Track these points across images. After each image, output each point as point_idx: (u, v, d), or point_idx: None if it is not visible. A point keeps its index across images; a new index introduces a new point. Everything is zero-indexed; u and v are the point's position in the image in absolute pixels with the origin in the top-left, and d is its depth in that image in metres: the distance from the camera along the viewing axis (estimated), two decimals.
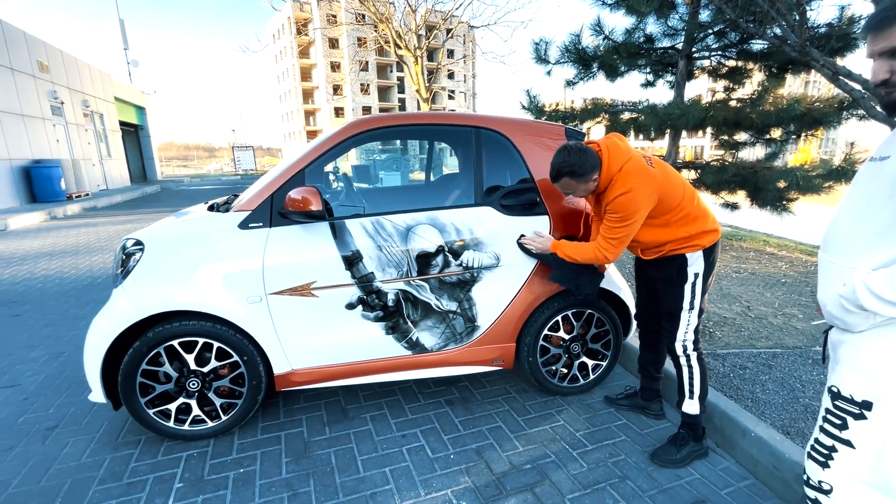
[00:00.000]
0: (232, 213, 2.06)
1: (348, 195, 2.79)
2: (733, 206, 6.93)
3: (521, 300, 2.34)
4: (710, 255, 1.95)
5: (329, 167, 3.25)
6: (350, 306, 2.13)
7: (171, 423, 2.07)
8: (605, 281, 2.47)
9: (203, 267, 1.96)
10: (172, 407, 2.07)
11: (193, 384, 2.06)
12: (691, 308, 1.97)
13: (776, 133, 6.16)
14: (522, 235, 2.26)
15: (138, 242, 2.03)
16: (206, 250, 1.98)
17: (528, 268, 2.32)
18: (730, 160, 6.44)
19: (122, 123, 18.36)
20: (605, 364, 2.57)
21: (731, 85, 6.69)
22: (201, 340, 2.01)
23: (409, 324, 2.23)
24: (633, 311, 2.58)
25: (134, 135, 20.85)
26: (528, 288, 2.34)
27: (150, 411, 2.04)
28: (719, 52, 6.23)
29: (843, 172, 4.66)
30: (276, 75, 65.06)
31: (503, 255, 2.27)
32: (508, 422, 2.32)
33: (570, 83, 7.39)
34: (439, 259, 2.18)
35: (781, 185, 5.68)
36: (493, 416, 2.37)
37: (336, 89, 55.32)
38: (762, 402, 2.29)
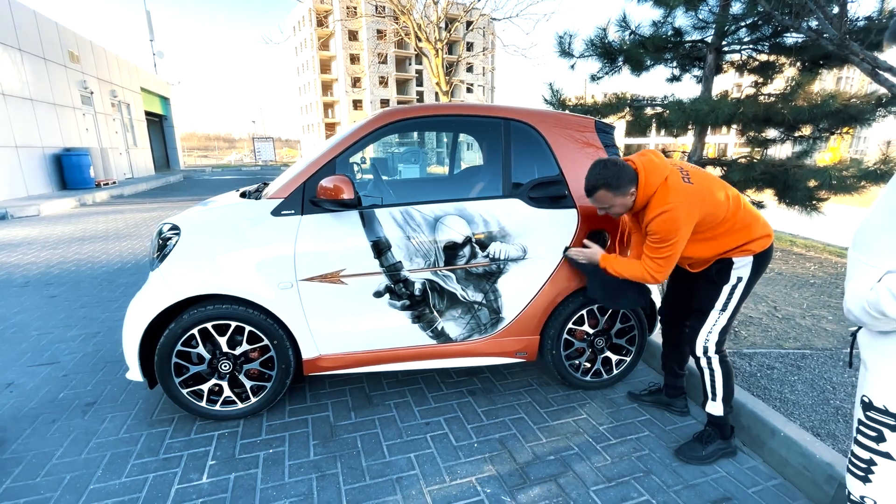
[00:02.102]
0: (265, 201, 2.10)
1: (376, 185, 2.82)
2: (759, 205, 6.76)
3: (546, 293, 2.34)
4: (760, 261, 1.88)
5: (355, 158, 3.28)
6: (378, 294, 2.17)
7: (203, 404, 2.14)
8: None
9: (236, 252, 2.01)
10: (205, 388, 2.13)
11: (225, 366, 2.12)
12: (723, 309, 1.93)
13: (807, 130, 5.99)
14: (568, 248, 2.26)
15: (175, 227, 2.09)
16: (240, 236, 2.03)
17: (554, 261, 2.32)
18: (758, 158, 6.28)
19: (147, 114, 18.77)
20: (628, 360, 2.56)
21: (761, 80, 6.50)
22: (233, 324, 2.07)
23: (435, 313, 2.25)
24: (658, 306, 2.56)
25: (158, 125, 21.30)
26: (554, 281, 2.33)
27: (184, 391, 2.11)
28: (751, 46, 6.06)
29: (880, 174, 4.51)
30: (296, 67, 65.57)
31: (530, 248, 2.27)
32: (531, 413, 2.33)
33: (594, 77, 7.28)
34: (466, 250, 2.20)
35: (812, 183, 5.53)
36: (516, 407, 2.38)
37: (355, 82, 55.50)
38: (791, 403, 2.26)
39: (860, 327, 1.12)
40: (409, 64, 57.77)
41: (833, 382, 2.44)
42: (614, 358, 2.54)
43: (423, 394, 2.49)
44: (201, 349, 2.08)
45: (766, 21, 5.23)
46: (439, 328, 2.28)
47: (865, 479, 1.11)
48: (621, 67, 7.16)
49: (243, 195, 2.40)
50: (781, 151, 7.07)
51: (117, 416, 2.23)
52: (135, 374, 2.08)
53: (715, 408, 2.00)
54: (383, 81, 55.71)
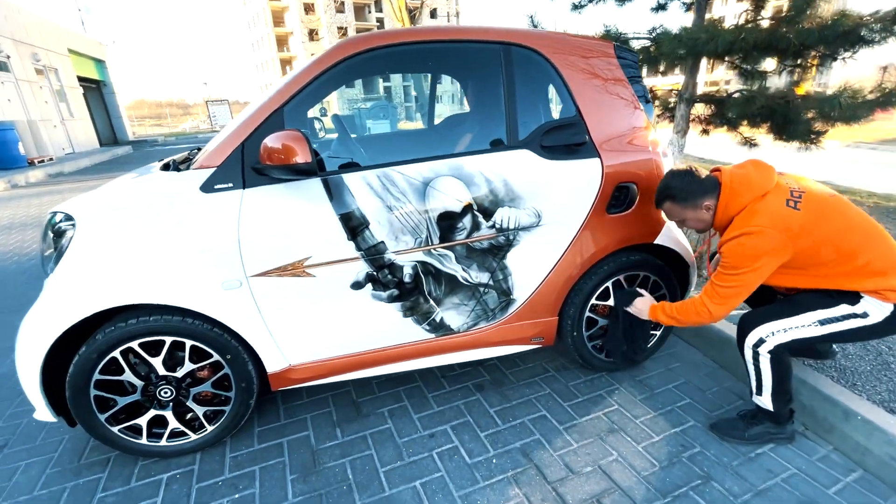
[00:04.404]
0: (189, 173, 1.54)
1: (342, 144, 2.24)
2: (752, 144, 6.42)
3: (565, 266, 1.90)
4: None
5: (313, 111, 2.68)
6: (357, 285, 1.68)
7: (144, 440, 1.67)
8: (663, 235, 2.03)
9: (156, 245, 1.47)
10: (143, 421, 1.65)
11: (166, 393, 1.63)
12: (822, 323, 1.52)
13: (812, 59, 5.53)
14: (622, 297, 1.97)
15: (68, 217, 1.52)
16: (159, 223, 1.48)
17: (574, 226, 1.86)
18: (756, 91, 5.84)
19: (81, 79, 16.84)
20: (658, 333, 2.19)
21: (758, 4, 5.95)
22: (168, 339, 1.56)
23: (432, 302, 1.79)
24: (693, 270, 2.16)
25: (97, 92, 19.26)
26: (575, 250, 1.89)
27: (115, 429, 1.62)
28: None
29: (882, 101, 4.12)
30: (246, 21, 60.44)
31: (545, 212, 1.80)
32: (553, 409, 1.95)
33: (576, 6, 6.59)
34: (467, 220, 1.71)
35: (810, 115, 5.16)
36: (534, 402, 2.00)
37: (312, 34, 51.67)
38: (849, 371, 1.94)
39: None
40: (369, 12, 53.95)
41: (888, 341, 2.14)
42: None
43: (422, 394, 2.07)
44: (130, 375, 1.58)
45: None
46: (437, 319, 1.83)
47: None
48: None
49: (166, 167, 1.82)
50: (773, 85, 6.65)
51: (34, 464, 1.74)
52: (44, 413, 1.57)
53: (763, 402, 1.66)
54: (343, 32, 51.99)
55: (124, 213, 1.49)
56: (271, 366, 1.71)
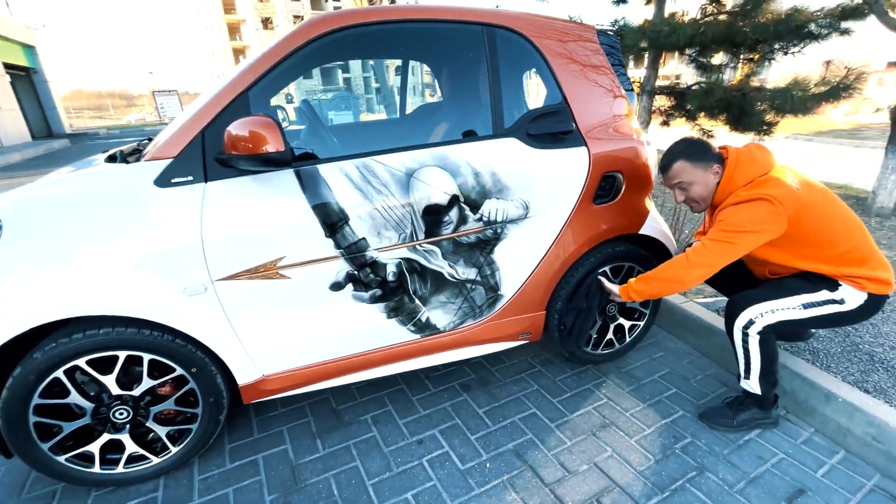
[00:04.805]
0: (141, 165, 1.35)
1: (314, 133, 2.07)
2: (709, 136, 6.64)
3: (552, 259, 1.84)
4: (872, 305, 1.55)
5: (278, 98, 2.48)
6: (337, 286, 1.55)
7: (97, 469, 1.48)
8: (647, 225, 2.01)
9: (101, 248, 1.29)
10: (95, 447, 1.46)
11: (121, 414, 1.45)
12: (806, 307, 1.55)
13: (759, 52, 5.75)
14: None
15: None
16: (104, 223, 1.29)
17: (561, 218, 1.80)
18: (713, 83, 6.03)
19: (7, 66, 15.35)
20: (642, 323, 2.18)
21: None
22: (123, 354, 1.38)
23: (417, 301, 1.68)
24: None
25: (27, 80, 17.63)
26: (562, 242, 1.83)
27: (61, 458, 1.42)
28: None
29: (844, 88, 4.35)
30: (194, 7, 57.14)
31: (532, 203, 1.73)
32: (543, 406, 1.90)
33: None
34: (453, 213, 1.61)
35: (762, 107, 5.39)
36: (523, 400, 1.94)
37: (266, 23, 49.52)
38: (821, 354, 2.00)
39: None
40: (326, 0, 52.29)
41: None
42: (627, 324, 2.14)
43: (406, 398, 1.97)
44: (77, 397, 1.38)
45: None
46: (423, 319, 1.73)
47: None
48: None
49: (112, 159, 1.61)
50: (725, 79, 6.90)
51: None
52: None
53: (751, 386, 1.67)
54: (300, 20, 50.13)
55: (61, 212, 1.29)
56: (243, 377, 1.55)
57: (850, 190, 5.50)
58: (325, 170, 1.46)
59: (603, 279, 1.89)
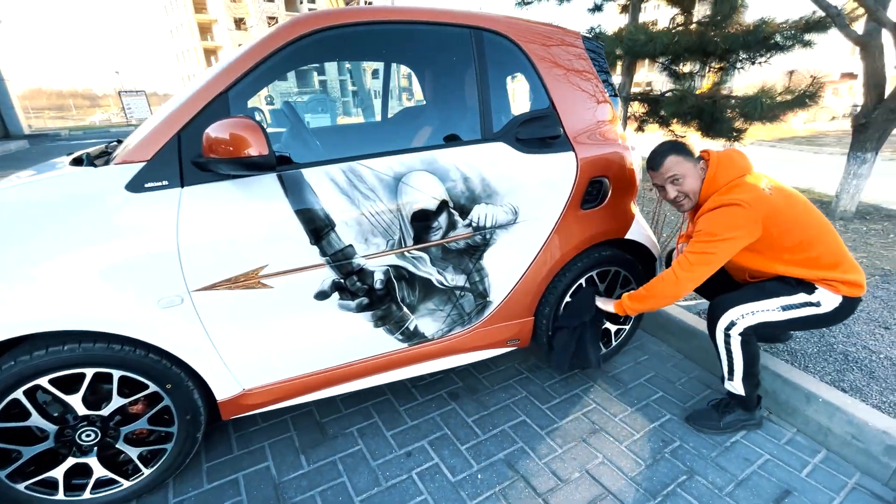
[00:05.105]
0: (111, 168, 1.27)
1: (296, 135, 2.00)
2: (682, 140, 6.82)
3: (540, 264, 1.83)
4: (846, 307, 1.59)
5: (256, 100, 2.40)
6: (322, 295, 1.49)
7: (61, 496, 1.37)
8: (633, 230, 2.02)
9: (68, 258, 1.19)
10: (59, 473, 1.35)
11: (88, 436, 1.35)
12: (785, 309, 1.59)
13: (729, 62, 5.96)
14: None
15: None
16: (70, 230, 1.20)
17: (549, 223, 1.79)
18: (686, 91, 6.21)
19: None
20: (628, 327, 2.19)
21: (686, 9, 6.33)
22: (90, 371, 1.28)
23: (405, 310, 1.64)
24: (660, 264, 2.19)
25: None
26: (550, 247, 1.82)
27: (21, 486, 1.31)
28: None
29: (809, 96, 4.54)
30: (163, 5, 55.43)
31: (521, 208, 1.71)
32: (532, 413, 1.88)
33: (522, 2, 6.67)
34: (442, 219, 1.58)
35: (732, 114, 5.58)
36: (512, 407, 1.92)
37: (239, 23, 48.49)
38: (799, 354, 2.05)
39: None
40: (301, 2, 51.64)
41: None
42: (613, 328, 2.15)
43: (393, 408, 1.92)
44: (38, 419, 1.28)
45: None
46: (411, 328, 1.68)
47: None
48: None
49: (78, 161, 1.51)
50: (695, 86, 7.13)
51: None
52: None
53: (735, 387, 1.70)
54: (274, 21, 49.39)
55: (21, 219, 1.19)
56: (222, 392, 1.47)
57: (813, 194, 5.74)
58: (309, 174, 1.40)
59: (599, 300, 1.89)
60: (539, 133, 1.70)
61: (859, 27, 3.92)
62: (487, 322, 1.84)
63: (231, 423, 1.83)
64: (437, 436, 1.76)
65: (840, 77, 32.11)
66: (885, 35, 3.70)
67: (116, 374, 1.31)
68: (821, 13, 4.21)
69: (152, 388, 1.37)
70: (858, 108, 4.39)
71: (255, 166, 1.22)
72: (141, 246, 1.24)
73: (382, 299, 1.58)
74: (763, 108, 4.79)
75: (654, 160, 1.66)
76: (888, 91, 3.90)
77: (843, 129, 15.50)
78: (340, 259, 1.46)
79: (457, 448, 1.69)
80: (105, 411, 1.34)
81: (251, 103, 2.24)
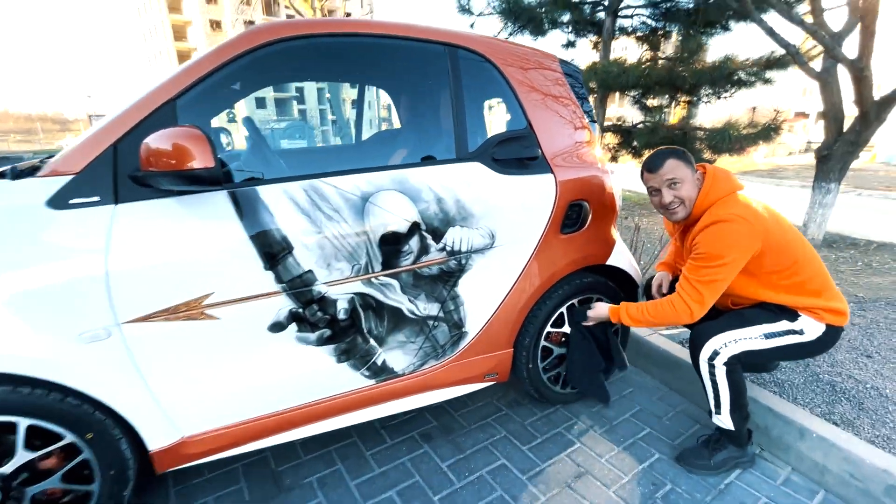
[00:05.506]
0: (32, 181, 1.11)
1: (257, 152, 1.86)
2: None
3: (520, 291, 1.72)
4: (830, 336, 1.55)
5: (219, 120, 2.27)
6: (278, 327, 1.33)
7: None
8: (614, 256, 1.95)
9: None
10: None
11: None
12: (768, 337, 1.52)
13: (696, 96, 6.21)
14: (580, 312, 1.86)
15: None
16: None
17: (528, 248, 1.69)
18: (657, 122, 6.42)
19: None
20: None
21: (654, 46, 6.62)
22: None
23: (372, 342, 1.49)
24: (641, 290, 2.11)
25: None
26: (530, 273, 1.72)
27: None
28: (647, 6, 6.07)
29: (773, 129, 4.72)
30: (137, 7, 54.01)
31: (499, 232, 1.60)
32: (513, 455, 1.72)
33: (462, 8, 6.83)
34: (413, 242, 1.45)
35: (701, 146, 5.77)
36: (490, 449, 1.75)
37: (214, 25, 47.75)
38: (786, 385, 1.97)
39: None
40: (276, 4, 51.64)
41: None
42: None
43: (359, 453, 1.72)
44: None
45: None
46: (379, 362, 1.52)
47: None
48: (523, 28, 6.87)
49: (1, 176, 1.34)
50: (661, 119, 7.39)
51: None
52: None
53: (723, 421, 1.60)
54: (251, 23, 49.32)
55: None
56: (155, 441, 1.27)
57: None
58: (265, 192, 1.26)
59: (590, 313, 1.79)
60: (516, 153, 1.62)
61: (817, 65, 4.11)
62: (463, 355, 1.70)
63: (171, 474, 1.60)
64: (406, 485, 1.57)
65: (794, 115, 34.34)
66: (842, 70, 3.88)
67: (23, 422, 1.11)
68: (781, 51, 4.42)
69: (68, 438, 1.16)
70: (813, 144, 4.59)
71: (198, 180, 1.08)
72: (59, 271, 1.07)
73: (346, 331, 1.43)
74: (731, 139, 4.96)
75: (654, 162, 1.59)
76: (847, 125, 4.07)
77: (800, 163, 16.40)
78: (299, 286, 1.31)
79: (429, 499, 1.51)
80: (6, 468, 1.12)
81: (217, 123, 2.12)
